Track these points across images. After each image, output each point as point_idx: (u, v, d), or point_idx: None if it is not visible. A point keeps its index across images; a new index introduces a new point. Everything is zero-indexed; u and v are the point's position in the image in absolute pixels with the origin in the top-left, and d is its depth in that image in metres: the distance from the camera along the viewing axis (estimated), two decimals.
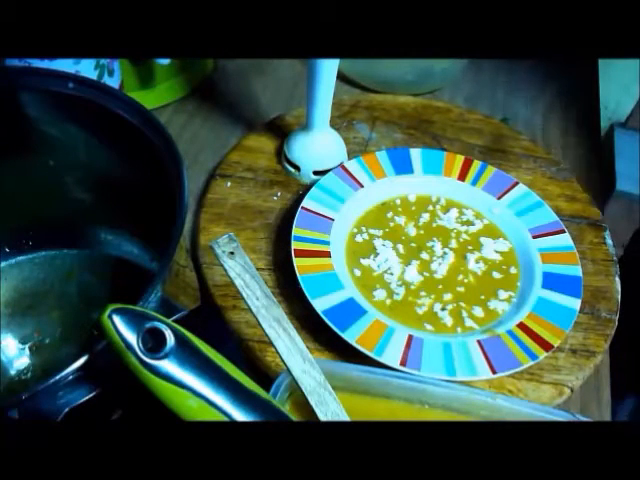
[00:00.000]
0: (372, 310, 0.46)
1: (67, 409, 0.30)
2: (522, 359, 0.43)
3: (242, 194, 0.55)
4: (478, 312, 0.47)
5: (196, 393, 0.29)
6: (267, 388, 0.34)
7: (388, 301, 0.47)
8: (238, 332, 0.46)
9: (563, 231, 0.51)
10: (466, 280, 0.49)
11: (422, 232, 0.52)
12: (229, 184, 0.56)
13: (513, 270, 0.50)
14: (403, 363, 0.42)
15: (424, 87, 0.67)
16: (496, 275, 0.49)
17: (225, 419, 0.30)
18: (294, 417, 0.34)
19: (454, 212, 0.53)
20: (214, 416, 0.30)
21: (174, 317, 0.34)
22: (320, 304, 0.44)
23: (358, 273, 0.49)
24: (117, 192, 0.46)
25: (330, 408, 0.35)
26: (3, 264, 0.49)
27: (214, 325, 0.47)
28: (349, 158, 0.57)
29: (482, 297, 0.48)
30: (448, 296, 0.48)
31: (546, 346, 0.44)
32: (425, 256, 0.50)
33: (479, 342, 0.44)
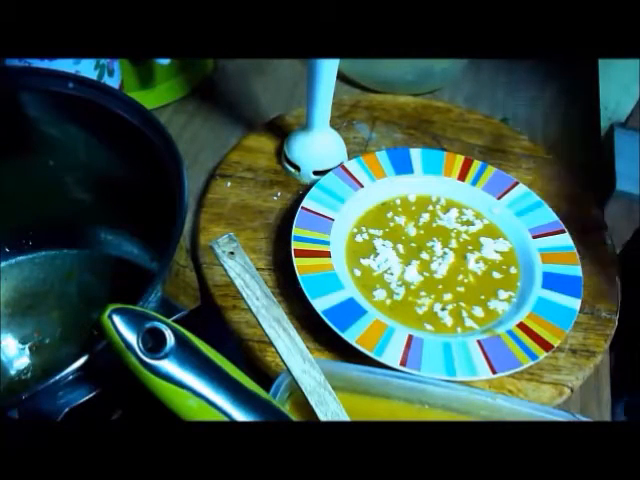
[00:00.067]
0: (372, 310, 0.46)
1: (67, 409, 0.30)
2: (522, 359, 0.43)
3: (242, 194, 0.55)
4: (478, 312, 0.47)
5: (196, 393, 0.29)
6: (267, 388, 0.34)
7: (388, 301, 0.47)
8: (238, 332, 0.46)
9: (563, 231, 0.51)
10: (466, 280, 0.49)
11: (422, 232, 0.52)
12: (229, 184, 0.56)
13: (513, 270, 0.50)
14: (403, 363, 0.42)
15: (424, 87, 0.67)
16: (496, 275, 0.49)
17: (225, 419, 0.30)
18: (294, 417, 0.34)
19: (454, 212, 0.53)
20: (214, 416, 0.30)
21: (174, 317, 0.34)
22: (320, 304, 0.44)
23: (358, 273, 0.49)
24: (117, 192, 0.46)
25: (330, 408, 0.35)
26: (3, 264, 0.49)
27: (214, 325, 0.47)
28: (349, 158, 0.57)
29: (482, 297, 0.48)
30: (448, 296, 0.48)
31: (546, 346, 0.44)
32: (425, 256, 0.50)
33: (479, 342, 0.44)
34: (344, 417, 0.35)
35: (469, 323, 0.46)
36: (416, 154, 0.56)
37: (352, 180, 0.54)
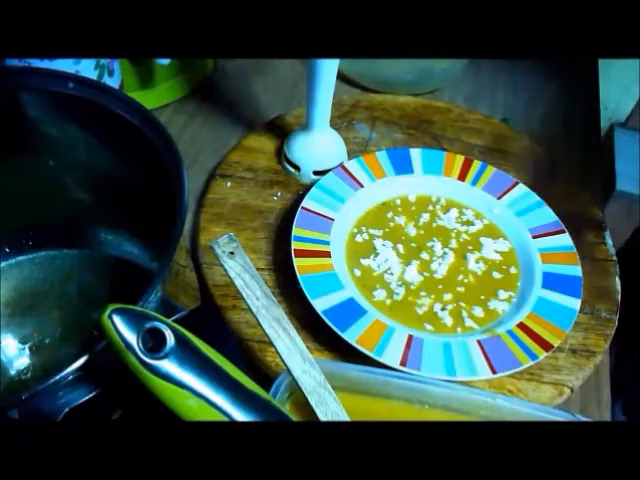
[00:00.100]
0: (372, 310, 0.46)
1: (67, 409, 0.30)
2: (522, 359, 0.43)
3: (242, 194, 0.55)
4: (478, 312, 0.47)
5: (196, 393, 0.29)
6: (267, 388, 0.34)
7: (388, 301, 0.47)
8: (238, 332, 0.46)
9: (563, 231, 0.51)
10: (466, 280, 0.49)
11: (422, 232, 0.52)
12: (229, 184, 0.56)
13: (513, 270, 0.50)
14: (403, 363, 0.42)
15: (424, 87, 0.67)
16: (496, 275, 0.49)
17: (225, 419, 0.30)
18: (294, 417, 0.34)
19: (454, 212, 0.53)
20: (214, 416, 0.30)
21: (174, 317, 0.34)
22: (320, 304, 0.44)
23: (358, 273, 0.49)
24: (117, 192, 0.46)
25: (330, 408, 0.35)
26: (3, 264, 0.49)
27: (214, 325, 0.47)
28: (349, 158, 0.57)
29: (482, 297, 0.48)
30: (448, 296, 0.48)
31: (546, 346, 0.44)
32: (425, 256, 0.50)
33: (479, 342, 0.44)
34: (344, 417, 0.35)
35: (469, 323, 0.46)
36: (416, 154, 0.56)
37: (352, 180, 0.54)
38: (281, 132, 0.60)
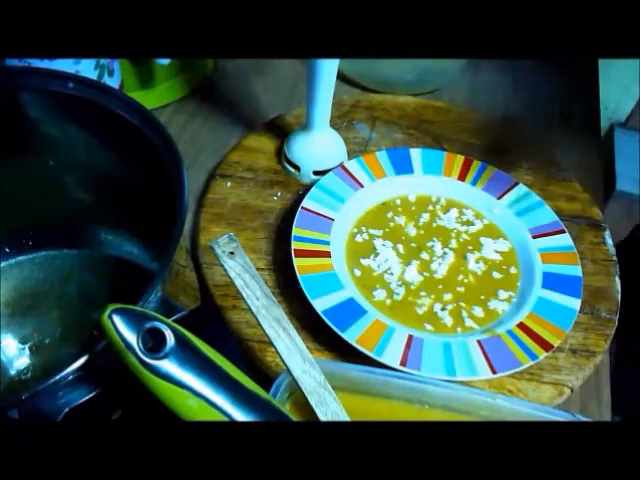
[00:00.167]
0: (372, 310, 0.46)
1: (67, 409, 0.30)
2: (522, 359, 0.43)
3: (242, 194, 0.55)
4: (478, 312, 0.47)
5: (196, 393, 0.29)
6: (267, 388, 0.34)
7: (388, 301, 0.47)
8: (238, 332, 0.46)
9: (563, 231, 0.51)
10: (466, 280, 0.49)
11: (422, 232, 0.52)
12: (229, 184, 0.56)
13: (513, 270, 0.50)
14: (403, 363, 0.42)
15: (424, 87, 0.67)
16: (496, 275, 0.49)
17: (225, 419, 0.30)
18: (294, 417, 0.34)
19: (454, 212, 0.53)
20: (214, 416, 0.30)
21: (174, 317, 0.34)
22: (320, 304, 0.44)
23: (358, 273, 0.49)
24: (117, 192, 0.46)
25: (330, 408, 0.35)
26: (3, 264, 0.49)
27: (214, 325, 0.47)
28: (349, 158, 0.57)
29: (482, 297, 0.48)
30: (448, 296, 0.48)
31: (546, 346, 0.44)
32: (425, 256, 0.50)
33: (479, 342, 0.44)
34: (344, 417, 0.35)
35: (469, 323, 0.46)
36: (416, 154, 0.56)
37: (352, 180, 0.54)
38: (281, 132, 0.60)
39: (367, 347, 0.42)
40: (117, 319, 0.28)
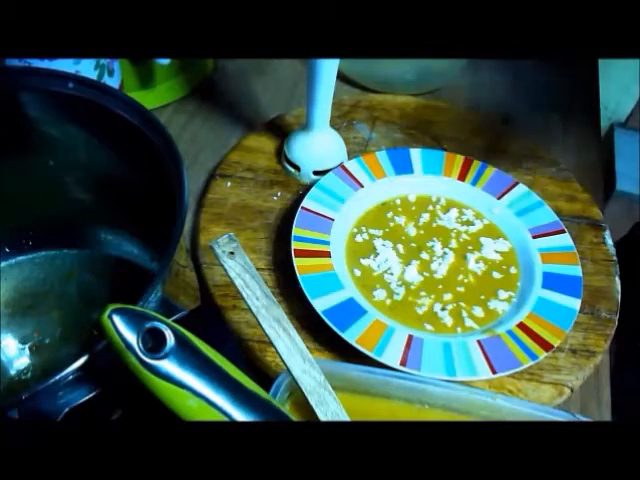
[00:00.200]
0: (372, 310, 0.46)
1: (67, 409, 0.30)
2: (522, 359, 0.43)
3: (242, 194, 0.55)
4: (478, 312, 0.47)
5: (196, 393, 0.29)
6: (267, 388, 0.34)
7: (388, 301, 0.47)
8: (238, 332, 0.46)
9: (563, 231, 0.51)
10: (466, 280, 0.49)
11: (422, 232, 0.52)
12: (229, 184, 0.56)
13: (513, 270, 0.50)
14: (403, 363, 0.42)
15: (424, 87, 0.67)
16: (496, 275, 0.49)
17: (225, 419, 0.30)
18: (294, 417, 0.34)
19: (454, 212, 0.53)
20: (214, 416, 0.30)
21: (174, 317, 0.34)
22: (320, 304, 0.44)
23: (358, 273, 0.49)
24: (117, 192, 0.46)
25: (330, 408, 0.35)
26: (3, 264, 0.49)
27: (214, 325, 0.47)
28: (349, 158, 0.57)
29: (482, 297, 0.48)
30: (448, 296, 0.48)
31: (546, 346, 0.44)
32: (425, 256, 0.50)
33: (479, 342, 0.44)
34: (344, 417, 0.35)
35: (469, 323, 0.46)
36: (416, 154, 0.56)
37: (352, 180, 0.54)
38: (281, 132, 0.60)
39: (367, 347, 0.42)
40: (117, 319, 0.28)
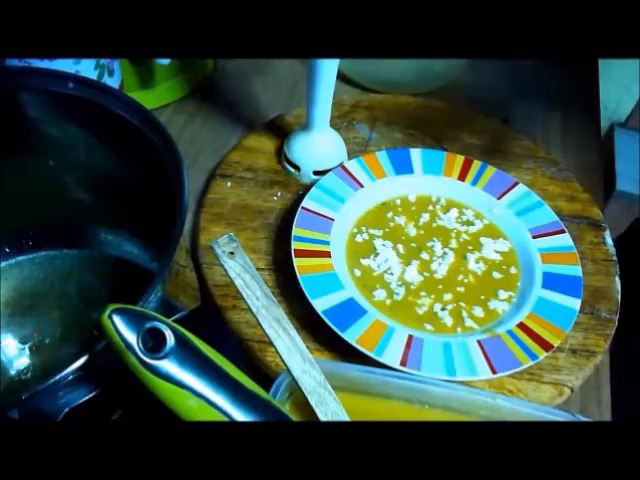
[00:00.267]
0: (372, 310, 0.46)
1: (67, 409, 0.30)
2: (522, 359, 0.43)
3: (242, 194, 0.55)
4: (478, 312, 0.47)
5: (196, 393, 0.29)
6: (267, 388, 0.34)
7: (388, 301, 0.47)
8: (238, 332, 0.46)
9: (563, 231, 0.51)
10: (466, 280, 0.49)
11: (422, 232, 0.52)
12: (229, 184, 0.56)
13: (513, 270, 0.50)
14: (403, 363, 0.42)
15: (424, 87, 0.67)
16: (496, 275, 0.49)
17: (225, 419, 0.30)
18: (294, 417, 0.34)
19: (454, 212, 0.53)
20: (214, 416, 0.30)
21: (174, 317, 0.34)
22: (320, 304, 0.44)
23: (358, 273, 0.49)
24: (117, 192, 0.46)
25: (330, 408, 0.35)
26: (3, 264, 0.49)
27: (214, 325, 0.47)
28: (349, 158, 0.57)
29: (482, 297, 0.48)
30: (448, 296, 0.48)
31: (546, 346, 0.44)
32: (425, 256, 0.50)
33: (479, 342, 0.44)
34: (344, 417, 0.35)
35: (469, 323, 0.46)
36: (416, 154, 0.56)
37: (352, 180, 0.54)
38: (281, 132, 0.60)
39: (367, 347, 0.42)
40: (117, 319, 0.28)
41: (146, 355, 0.28)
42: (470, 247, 0.51)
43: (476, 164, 0.56)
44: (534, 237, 0.51)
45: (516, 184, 0.55)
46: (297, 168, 0.56)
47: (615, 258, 0.52)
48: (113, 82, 0.54)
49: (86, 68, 0.50)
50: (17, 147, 0.45)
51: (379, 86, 0.67)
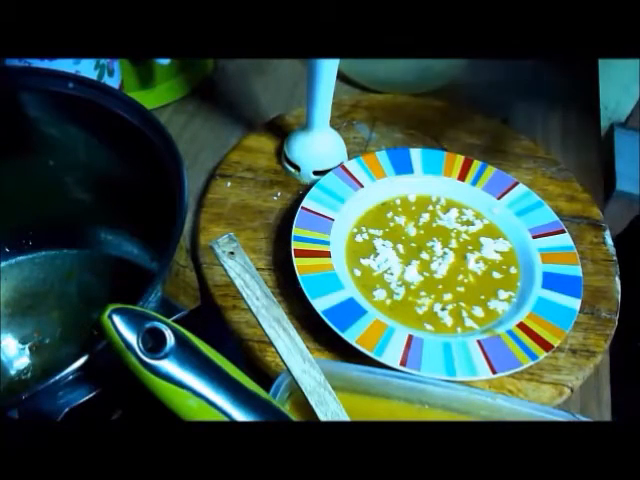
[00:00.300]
0: (372, 310, 0.46)
1: (67, 409, 0.30)
2: (522, 359, 0.43)
3: (242, 194, 0.55)
4: (478, 312, 0.47)
5: (196, 393, 0.29)
6: (267, 388, 0.34)
7: (388, 301, 0.47)
8: (238, 332, 0.46)
9: (563, 231, 0.51)
10: (466, 280, 0.49)
11: (422, 232, 0.52)
12: (229, 184, 0.56)
13: (513, 270, 0.50)
14: (403, 363, 0.42)
15: (424, 87, 0.67)
16: (496, 275, 0.49)
17: (225, 419, 0.30)
18: (294, 417, 0.34)
19: (454, 212, 0.53)
20: (214, 416, 0.30)
21: (174, 317, 0.34)
22: (320, 304, 0.44)
23: (358, 273, 0.49)
24: (117, 192, 0.46)
25: (330, 408, 0.35)
26: (3, 264, 0.49)
27: (214, 325, 0.47)
28: (349, 158, 0.57)
29: (482, 297, 0.48)
30: (448, 296, 0.48)
31: (546, 346, 0.44)
32: (425, 256, 0.50)
33: (479, 342, 0.44)
34: (344, 417, 0.35)
35: (469, 323, 0.46)
36: (416, 154, 0.56)
37: (352, 180, 0.54)
38: (281, 132, 0.60)
39: (367, 347, 0.42)
40: (117, 319, 0.28)
41: (146, 355, 0.28)
42: (470, 247, 0.51)
43: (476, 164, 0.56)
44: (534, 237, 0.51)
45: (516, 184, 0.55)
46: (297, 168, 0.56)
47: (615, 258, 0.52)
48: (113, 82, 0.54)
49: (86, 68, 0.50)
50: (17, 147, 0.45)
51: (379, 86, 0.67)
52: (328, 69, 0.51)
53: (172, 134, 0.39)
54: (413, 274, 0.49)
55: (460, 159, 0.56)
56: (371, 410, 0.38)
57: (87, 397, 0.31)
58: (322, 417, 0.35)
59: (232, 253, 0.36)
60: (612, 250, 0.53)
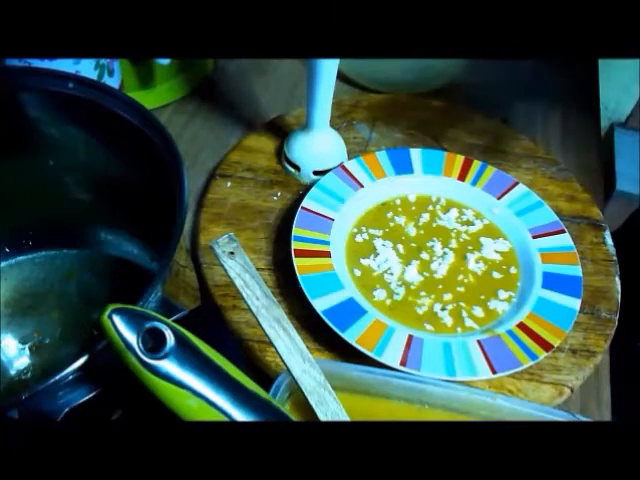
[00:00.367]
0: (372, 310, 0.46)
1: (67, 409, 0.30)
2: (522, 359, 0.43)
3: (242, 194, 0.55)
4: (478, 312, 0.47)
5: (196, 393, 0.29)
6: (267, 388, 0.34)
7: (388, 301, 0.47)
8: (238, 332, 0.46)
9: (563, 231, 0.51)
10: (466, 280, 0.49)
11: (422, 232, 0.52)
12: (229, 184, 0.56)
13: (513, 270, 0.50)
14: (403, 363, 0.42)
15: (424, 87, 0.67)
16: (496, 275, 0.49)
17: (225, 419, 0.30)
18: (294, 417, 0.34)
19: (454, 212, 0.53)
20: (214, 416, 0.30)
21: (174, 317, 0.34)
22: (320, 304, 0.44)
23: (358, 273, 0.49)
24: (117, 192, 0.46)
25: (330, 408, 0.35)
26: (3, 264, 0.49)
27: (214, 325, 0.47)
28: (349, 158, 0.57)
29: (482, 297, 0.48)
30: (448, 296, 0.48)
31: (546, 346, 0.44)
32: (425, 256, 0.50)
33: (479, 342, 0.44)
34: (344, 417, 0.35)
35: (469, 323, 0.46)
36: (416, 154, 0.56)
37: (352, 180, 0.54)
38: (281, 132, 0.60)
39: (367, 347, 0.42)
40: (117, 319, 0.28)
41: (146, 355, 0.28)
42: (470, 247, 0.51)
43: (476, 164, 0.56)
44: (534, 237, 0.51)
45: (516, 184, 0.55)
46: (297, 168, 0.56)
47: (615, 258, 0.52)
48: (113, 82, 0.54)
49: (86, 68, 0.50)
50: (17, 147, 0.45)
51: (379, 86, 0.67)
52: (328, 69, 0.51)
53: (172, 134, 0.39)
54: (413, 274, 0.49)
55: (460, 159, 0.56)
56: (371, 410, 0.38)
57: (87, 397, 0.31)
58: (322, 417, 0.35)
59: (232, 253, 0.36)
60: (612, 250, 0.53)
